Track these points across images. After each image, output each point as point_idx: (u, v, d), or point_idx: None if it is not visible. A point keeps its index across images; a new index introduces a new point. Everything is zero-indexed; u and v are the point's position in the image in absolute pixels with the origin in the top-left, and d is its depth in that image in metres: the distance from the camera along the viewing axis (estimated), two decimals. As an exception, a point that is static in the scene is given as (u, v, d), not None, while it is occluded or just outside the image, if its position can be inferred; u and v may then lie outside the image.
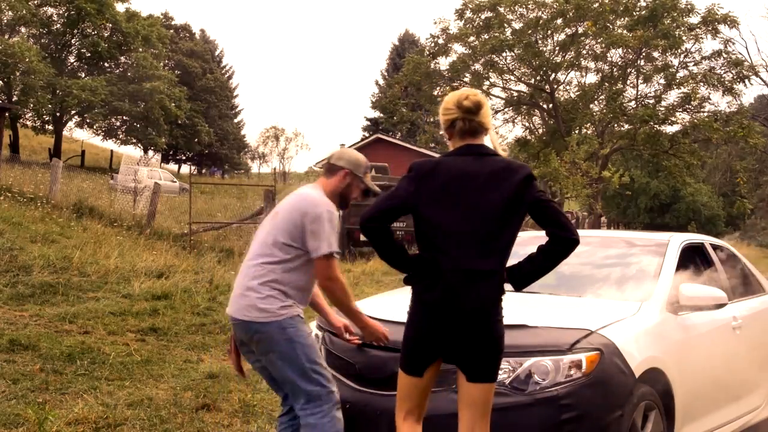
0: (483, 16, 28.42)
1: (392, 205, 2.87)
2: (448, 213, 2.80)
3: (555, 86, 28.88)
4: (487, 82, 29.76)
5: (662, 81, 26.97)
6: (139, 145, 40.46)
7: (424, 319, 2.82)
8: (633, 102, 27.76)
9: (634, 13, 26.84)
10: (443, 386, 3.21)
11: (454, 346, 2.80)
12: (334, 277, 3.23)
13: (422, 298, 2.84)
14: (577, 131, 27.98)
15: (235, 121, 56.08)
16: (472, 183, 2.80)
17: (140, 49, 37.21)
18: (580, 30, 27.40)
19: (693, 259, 4.63)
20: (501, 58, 28.66)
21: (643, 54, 27.01)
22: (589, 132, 28.15)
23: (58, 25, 36.52)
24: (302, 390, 3.23)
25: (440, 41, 29.18)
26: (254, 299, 3.21)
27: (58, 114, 36.07)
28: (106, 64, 38.97)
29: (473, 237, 2.78)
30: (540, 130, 32.64)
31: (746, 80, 26.19)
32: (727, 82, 25.91)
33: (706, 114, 26.24)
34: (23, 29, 35.73)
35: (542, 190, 2.90)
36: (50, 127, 37.14)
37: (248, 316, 3.21)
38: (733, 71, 25.92)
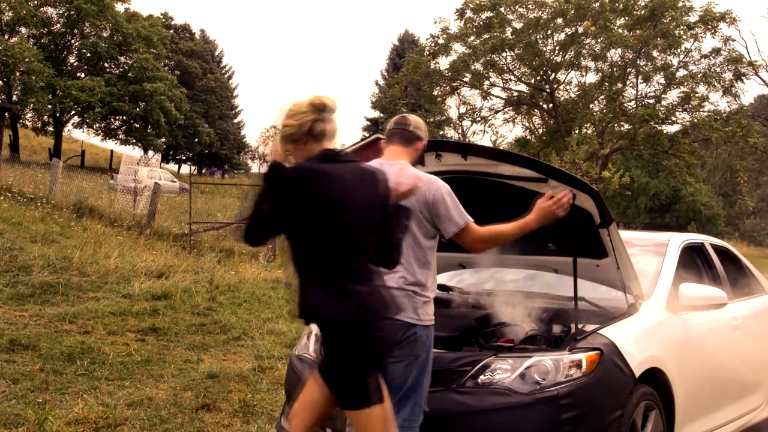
0: (483, 16, 28.43)
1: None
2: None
3: (555, 86, 28.88)
4: (487, 82, 29.79)
5: (662, 80, 26.99)
6: (139, 145, 40.47)
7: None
8: (633, 102, 27.78)
9: (634, 13, 26.85)
10: (443, 386, 3.20)
11: None
12: (482, 237, 3.11)
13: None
14: (577, 131, 27.99)
15: (235, 121, 56.06)
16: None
17: (140, 50, 37.20)
18: (580, 30, 27.42)
19: (693, 259, 4.63)
20: (501, 57, 28.67)
21: (643, 53, 27.03)
22: (589, 132, 28.16)
23: (58, 26, 36.52)
24: (415, 401, 3.04)
25: (440, 41, 29.18)
26: (420, 301, 3.06)
27: (57, 114, 36.08)
28: (106, 65, 38.96)
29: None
30: (540, 130, 32.66)
31: (744, 77, 26.20)
32: (726, 81, 25.93)
33: (706, 113, 26.26)
34: (23, 29, 35.73)
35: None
36: (50, 128, 37.14)
37: (413, 318, 3.02)
38: (731, 68, 25.93)
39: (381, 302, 2.77)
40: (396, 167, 3.07)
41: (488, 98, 30.89)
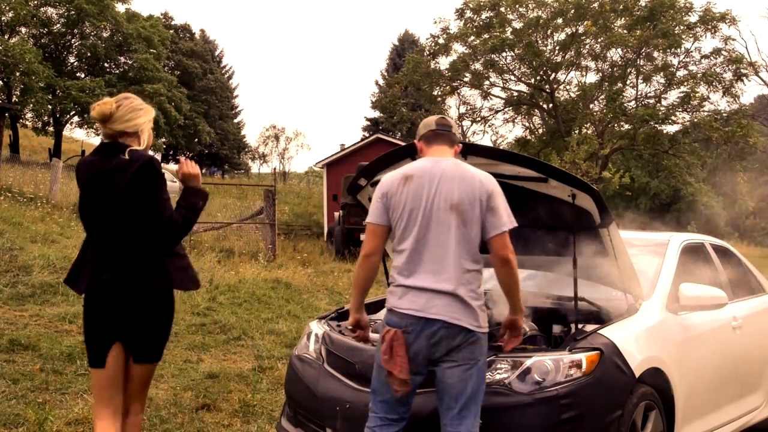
0: (483, 16, 28.45)
1: None
2: None
3: (555, 86, 28.87)
4: (487, 82, 29.79)
5: (662, 80, 26.99)
6: (139, 145, 40.37)
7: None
8: (633, 102, 27.77)
9: (634, 13, 26.85)
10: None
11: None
12: (513, 251, 2.95)
13: None
14: (577, 131, 27.98)
15: (235, 121, 56.09)
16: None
17: (141, 50, 37.19)
18: (580, 30, 27.41)
19: (693, 259, 4.63)
20: (501, 57, 28.67)
21: (643, 53, 27.02)
22: (589, 132, 28.15)
23: (58, 26, 36.51)
24: (475, 410, 2.95)
25: (440, 41, 29.20)
26: (478, 307, 2.95)
27: (57, 114, 36.08)
28: (106, 65, 38.96)
29: None
30: (540, 130, 32.64)
31: (744, 78, 26.21)
32: (726, 81, 25.93)
33: (706, 113, 26.26)
34: (23, 29, 35.71)
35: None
36: (50, 128, 37.15)
37: (473, 325, 2.92)
38: (732, 68, 25.93)
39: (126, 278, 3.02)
40: (447, 162, 3.06)
41: (488, 98, 30.90)
